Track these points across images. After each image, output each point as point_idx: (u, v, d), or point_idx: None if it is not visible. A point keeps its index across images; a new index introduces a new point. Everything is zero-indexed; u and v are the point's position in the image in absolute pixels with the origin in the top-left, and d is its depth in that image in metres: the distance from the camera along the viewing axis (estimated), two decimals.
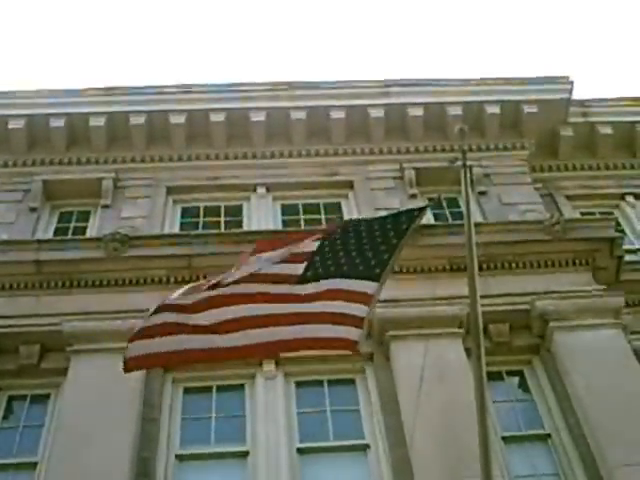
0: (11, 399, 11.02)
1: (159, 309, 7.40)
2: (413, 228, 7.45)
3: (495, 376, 10.84)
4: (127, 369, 7.51)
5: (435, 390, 9.83)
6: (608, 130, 15.18)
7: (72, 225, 13.82)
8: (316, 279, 7.29)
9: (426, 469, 9.31)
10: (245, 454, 10.01)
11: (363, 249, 7.34)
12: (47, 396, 10.97)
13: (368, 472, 9.84)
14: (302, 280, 7.29)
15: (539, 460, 10.13)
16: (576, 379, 10.47)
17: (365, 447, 10.11)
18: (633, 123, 15.31)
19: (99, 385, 10.36)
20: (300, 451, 10.03)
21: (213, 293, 7.26)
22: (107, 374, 10.38)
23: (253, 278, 7.27)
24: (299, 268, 7.30)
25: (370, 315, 7.31)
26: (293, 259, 7.32)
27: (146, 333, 7.33)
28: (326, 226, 7.59)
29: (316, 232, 7.58)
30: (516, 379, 11.25)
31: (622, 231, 13.54)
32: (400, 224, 7.44)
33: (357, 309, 7.24)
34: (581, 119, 15.24)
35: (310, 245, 7.36)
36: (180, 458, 10.03)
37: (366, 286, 7.28)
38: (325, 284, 7.29)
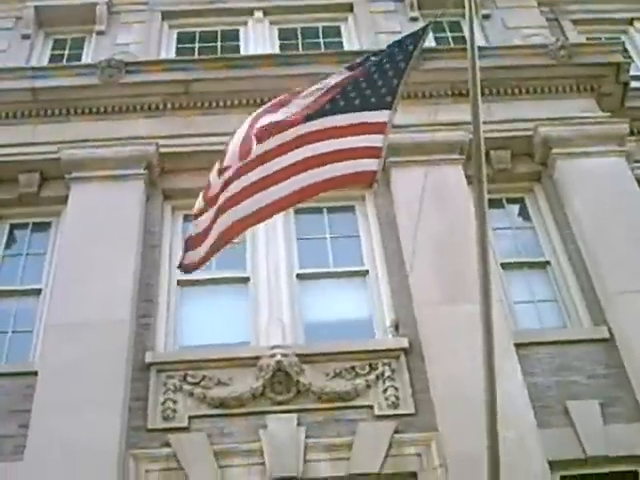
0: (13, 228, 10.96)
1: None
2: (419, 49, 7.15)
3: (496, 203, 10.67)
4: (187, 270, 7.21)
5: (435, 216, 9.69)
6: None
7: (66, 52, 13.39)
8: (324, 115, 7.00)
9: (425, 294, 9.28)
10: (246, 280, 10.03)
11: (373, 80, 7.05)
12: (48, 224, 10.91)
13: (367, 297, 9.85)
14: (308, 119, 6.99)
15: (538, 287, 10.13)
16: (577, 206, 10.33)
17: (364, 273, 10.10)
18: None
19: (99, 212, 10.25)
20: (300, 277, 10.02)
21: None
22: (107, 201, 10.36)
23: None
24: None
25: (385, 143, 7.08)
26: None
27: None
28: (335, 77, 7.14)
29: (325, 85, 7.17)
30: (517, 206, 11.12)
31: (629, 57, 13.08)
32: (405, 47, 7.14)
33: (373, 140, 7.00)
34: None
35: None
36: (182, 284, 10.02)
37: (379, 115, 7.03)
38: (335, 120, 6.99)
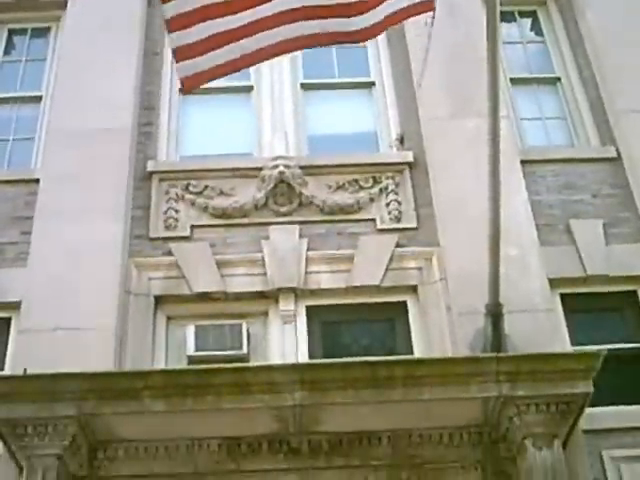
0: (11, 33, 10.42)
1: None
2: None
3: (507, 16, 10.03)
4: (185, 91, 6.75)
5: (445, 28, 9.10)
6: None
7: None
8: None
9: (432, 107, 8.84)
10: (249, 89, 9.63)
11: None
12: (48, 29, 10.35)
13: (373, 110, 9.47)
14: None
15: (547, 104, 9.70)
16: (591, 20, 9.75)
17: (370, 84, 9.67)
18: None
19: (99, 18, 9.68)
20: (304, 87, 9.61)
21: None
22: (107, 7, 9.80)
23: None
24: None
25: None
26: None
27: (194, 49, 6.34)
28: None
29: None
30: (529, 20, 10.49)
31: None
32: None
33: None
34: None
35: None
36: (184, 91, 9.60)
37: None
38: None
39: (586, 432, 6.86)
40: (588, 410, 6.58)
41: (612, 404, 7.20)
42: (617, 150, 8.91)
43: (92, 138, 8.66)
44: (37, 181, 8.56)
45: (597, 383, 6.41)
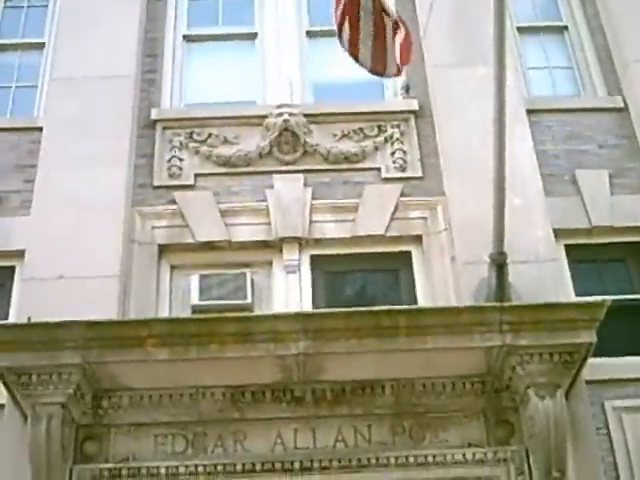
0: None
1: None
2: None
3: None
4: None
5: None
6: None
7: None
8: None
9: (438, 56, 8.66)
10: (253, 36, 9.45)
11: None
12: None
13: None
14: None
15: (553, 53, 9.49)
16: None
17: None
18: None
19: None
20: (310, 34, 9.42)
21: None
22: None
23: None
24: None
25: None
26: None
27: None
28: None
29: None
30: None
31: None
32: None
33: None
34: None
35: None
36: (188, 39, 9.46)
37: None
38: None
39: (589, 382, 6.78)
40: (591, 360, 6.50)
41: (615, 355, 7.12)
42: (624, 100, 8.73)
43: (95, 86, 8.51)
44: (40, 129, 8.41)
45: (600, 333, 6.32)
